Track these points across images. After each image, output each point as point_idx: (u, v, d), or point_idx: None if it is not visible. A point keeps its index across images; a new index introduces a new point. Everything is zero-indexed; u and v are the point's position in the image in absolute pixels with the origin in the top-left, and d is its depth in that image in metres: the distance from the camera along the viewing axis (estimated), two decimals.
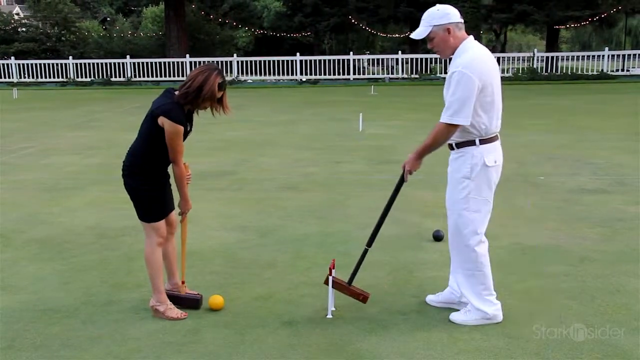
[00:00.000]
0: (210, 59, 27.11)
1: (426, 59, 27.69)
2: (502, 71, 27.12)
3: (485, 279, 3.62)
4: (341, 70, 28.47)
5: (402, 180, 3.68)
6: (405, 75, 27.83)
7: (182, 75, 26.63)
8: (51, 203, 6.74)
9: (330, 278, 3.76)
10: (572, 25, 35.35)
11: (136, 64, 28.25)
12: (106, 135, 12.07)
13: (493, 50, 41.82)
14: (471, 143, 3.49)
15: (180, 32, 30.68)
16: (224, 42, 38.15)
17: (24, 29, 34.29)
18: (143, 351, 3.38)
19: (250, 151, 9.98)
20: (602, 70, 26.68)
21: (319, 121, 13.88)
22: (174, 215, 3.91)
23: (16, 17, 36.82)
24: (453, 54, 3.52)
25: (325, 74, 27.83)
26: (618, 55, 29.20)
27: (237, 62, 27.98)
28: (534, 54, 27.57)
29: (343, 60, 28.48)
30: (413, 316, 3.77)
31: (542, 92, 20.53)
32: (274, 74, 27.85)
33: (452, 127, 3.43)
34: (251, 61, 28.30)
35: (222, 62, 27.57)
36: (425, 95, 19.53)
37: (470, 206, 3.52)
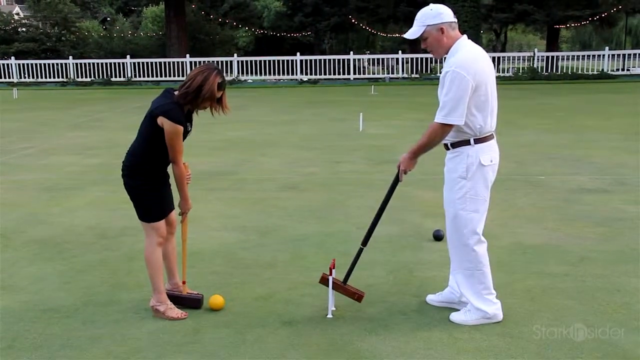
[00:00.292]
0: (211, 59, 27.13)
1: (426, 59, 27.61)
2: (502, 71, 27.15)
3: (484, 278, 3.62)
4: (341, 70, 28.46)
5: (397, 179, 3.68)
6: (405, 75, 27.79)
7: (182, 75, 26.61)
8: (51, 203, 6.74)
9: (330, 278, 3.76)
10: (573, 25, 35.38)
11: (136, 64, 28.23)
12: (106, 135, 12.07)
13: (493, 50, 42.06)
14: (466, 143, 3.49)
15: (181, 32, 30.70)
16: (224, 42, 38.18)
17: (24, 29, 34.27)
18: (143, 351, 3.38)
19: (250, 151, 9.99)
20: (603, 70, 26.65)
21: (319, 121, 13.88)
22: (174, 215, 3.91)
23: (16, 17, 36.79)
24: (447, 54, 3.52)
25: (325, 74, 27.81)
26: (618, 55, 29.20)
27: (238, 62, 27.99)
28: (534, 54, 27.52)
29: (343, 60, 28.46)
30: (413, 316, 3.77)
31: (542, 92, 20.52)
32: (274, 74, 27.84)
33: (446, 127, 3.42)
34: (251, 61, 28.30)
35: (222, 62, 27.58)
36: (426, 95, 19.50)
37: (467, 206, 3.52)
